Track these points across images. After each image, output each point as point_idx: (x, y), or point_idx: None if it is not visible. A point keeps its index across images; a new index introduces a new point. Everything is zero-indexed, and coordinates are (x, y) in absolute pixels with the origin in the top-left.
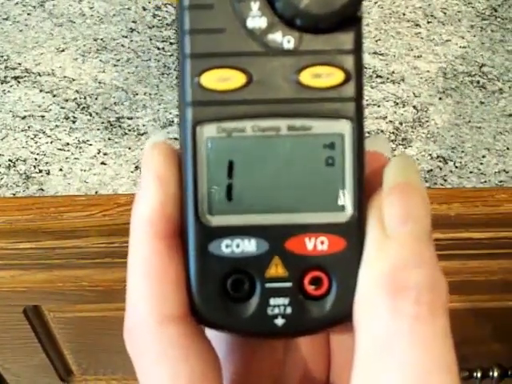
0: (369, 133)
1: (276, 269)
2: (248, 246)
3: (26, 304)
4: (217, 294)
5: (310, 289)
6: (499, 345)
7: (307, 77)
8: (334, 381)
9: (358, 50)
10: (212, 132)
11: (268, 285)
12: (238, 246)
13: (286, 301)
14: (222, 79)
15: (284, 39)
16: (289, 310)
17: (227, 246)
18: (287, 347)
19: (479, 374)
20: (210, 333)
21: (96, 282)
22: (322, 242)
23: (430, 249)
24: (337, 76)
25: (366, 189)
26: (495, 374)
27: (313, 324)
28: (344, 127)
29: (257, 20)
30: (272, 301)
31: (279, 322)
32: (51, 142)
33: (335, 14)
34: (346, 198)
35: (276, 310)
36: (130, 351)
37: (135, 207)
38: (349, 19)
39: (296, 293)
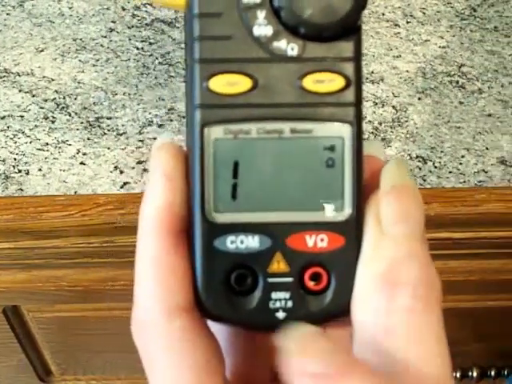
0: None
1: (278, 264)
2: (251, 242)
3: (4, 304)
4: (221, 288)
5: (310, 284)
6: (478, 345)
7: (310, 82)
8: None
9: (357, 58)
10: (219, 133)
11: (270, 279)
12: (242, 242)
13: (287, 295)
14: (229, 84)
15: (288, 47)
16: (290, 304)
17: (232, 242)
18: None
19: (458, 374)
20: (213, 326)
21: (75, 282)
22: (322, 240)
23: (424, 247)
24: (338, 82)
25: (364, 189)
26: (474, 374)
27: (312, 317)
28: (344, 130)
29: (263, 28)
30: (274, 295)
31: (280, 315)
32: (30, 142)
33: (337, 24)
34: (345, 198)
35: (277, 304)
36: (137, 343)
37: (143, 205)
38: (349, 28)
39: (297, 287)
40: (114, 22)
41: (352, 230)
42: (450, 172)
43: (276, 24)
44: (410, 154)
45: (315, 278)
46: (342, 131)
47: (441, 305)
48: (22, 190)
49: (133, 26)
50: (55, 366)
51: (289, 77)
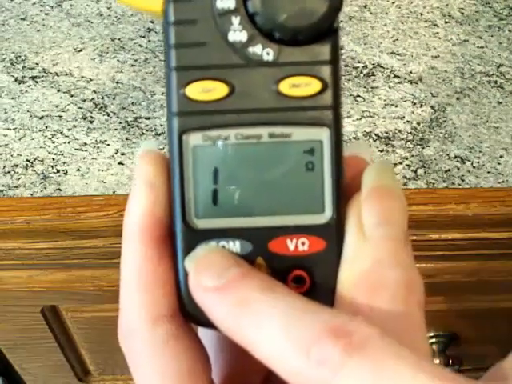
0: (387, 133)
1: (260, 269)
2: (233, 247)
3: (43, 304)
4: None
5: (293, 287)
6: None
7: (286, 87)
8: None
9: (335, 61)
10: (197, 140)
11: None
12: (223, 247)
13: None
14: (205, 90)
15: (264, 51)
16: None
17: None
18: None
19: None
20: (201, 331)
21: (114, 281)
22: (303, 243)
23: (406, 249)
24: (314, 85)
25: (346, 192)
26: None
27: None
28: (322, 134)
29: (238, 34)
30: None
31: None
32: (69, 142)
33: (312, 27)
34: (326, 201)
35: None
36: (124, 351)
37: (126, 213)
38: (325, 31)
39: None
40: (152, 21)
41: (333, 233)
42: (489, 172)
43: (251, 29)
44: (448, 154)
45: (297, 281)
46: (320, 134)
47: (423, 307)
48: (60, 190)
49: None
50: (93, 366)
51: (265, 82)
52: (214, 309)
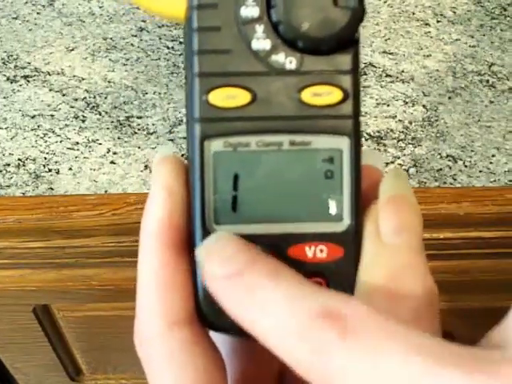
0: (379, 132)
1: None
2: None
3: (35, 303)
4: None
5: None
6: None
7: (308, 95)
8: None
9: (355, 70)
10: (219, 146)
11: None
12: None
13: None
14: (228, 97)
15: (286, 60)
16: None
17: None
18: None
19: None
20: (215, 335)
21: (105, 281)
22: (322, 250)
23: (422, 256)
24: (335, 95)
25: (362, 200)
26: None
27: None
28: (342, 143)
29: (261, 42)
30: None
31: None
32: (61, 141)
33: (334, 37)
34: (344, 209)
35: None
36: (140, 355)
37: (144, 218)
38: (347, 41)
39: None
40: (144, 21)
41: (351, 241)
42: (481, 171)
43: (274, 38)
44: (440, 153)
45: None
46: (340, 143)
47: (438, 314)
48: (52, 189)
49: (163, 25)
50: (85, 365)
51: (287, 90)
52: (224, 298)
